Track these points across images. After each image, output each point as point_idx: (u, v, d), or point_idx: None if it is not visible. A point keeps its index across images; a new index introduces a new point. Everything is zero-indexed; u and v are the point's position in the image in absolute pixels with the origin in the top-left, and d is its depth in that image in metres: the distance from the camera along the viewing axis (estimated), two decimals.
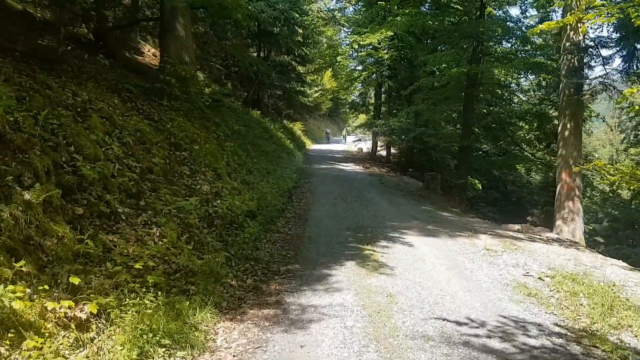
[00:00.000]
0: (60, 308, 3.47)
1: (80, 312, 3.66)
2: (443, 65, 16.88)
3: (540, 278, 6.47)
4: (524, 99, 21.68)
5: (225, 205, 7.14)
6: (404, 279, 6.02)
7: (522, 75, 18.13)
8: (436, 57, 16.54)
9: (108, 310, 3.72)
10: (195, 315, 4.32)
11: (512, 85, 18.57)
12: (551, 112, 20.82)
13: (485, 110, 20.28)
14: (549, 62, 15.72)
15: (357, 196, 13.06)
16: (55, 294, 3.62)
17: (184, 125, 8.79)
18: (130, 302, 3.85)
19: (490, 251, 7.73)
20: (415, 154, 22.72)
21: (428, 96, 18.69)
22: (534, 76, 18.90)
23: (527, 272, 6.69)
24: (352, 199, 12.38)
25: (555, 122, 17.11)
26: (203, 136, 9.31)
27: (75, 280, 3.66)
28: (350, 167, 21.81)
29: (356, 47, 21.39)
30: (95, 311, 3.61)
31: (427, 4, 19.81)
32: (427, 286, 5.79)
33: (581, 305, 5.56)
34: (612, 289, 5.99)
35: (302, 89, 28.99)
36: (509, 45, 17.96)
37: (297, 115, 31.61)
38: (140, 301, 3.89)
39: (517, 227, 11.97)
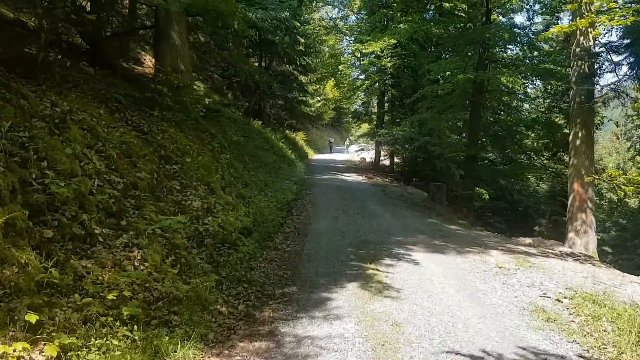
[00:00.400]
0: (13, 351, 2.99)
1: (39, 354, 3.18)
2: (447, 73, 16.47)
3: (558, 299, 5.95)
4: (531, 107, 21.22)
5: (217, 222, 6.63)
6: (411, 303, 5.51)
7: (530, 82, 17.67)
8: (440, 64, 16.15)
9: (70, 353, 3.23)
10: (176, 352, 3.82)
11: (519, 93, 18.09)
12: (558, 119, 20.36)
13: (492, 118, 19.82)
14: (558, 68, 15.25)
15: (359, 208, 12.58)
16: (10, 334, 3.15)
17: (176, 137, 8.32)
18: (96, 342, 3.35)
19: (502, 269, 7.21)
20: (419, 163, 22.27)
21: (432, 104, 18.28)
22: (541, 83, 18.44)
23: (544, 293, 6.17)
24: (355, 212, 11.89)
25: (566, 130, 16.61)
26: (196, 148, 8.83)
27: (32, 318, 3.17)
28: (352, 177, 21.33)
29: (358, 55, 21.22)
30: (55, 354, 3.11)
31: (431, 11, 19.52)
32: (436, 312, 5.27)
33: (605, 331, 5.04)
34: (637, 312, 5.48)
35: (304, 98, 28.69)
36: (516, 51, 17.55)
37: (299, 125, 31.32)
38: (107, 341, 3.39)
39: (528, 240, 11.44)
